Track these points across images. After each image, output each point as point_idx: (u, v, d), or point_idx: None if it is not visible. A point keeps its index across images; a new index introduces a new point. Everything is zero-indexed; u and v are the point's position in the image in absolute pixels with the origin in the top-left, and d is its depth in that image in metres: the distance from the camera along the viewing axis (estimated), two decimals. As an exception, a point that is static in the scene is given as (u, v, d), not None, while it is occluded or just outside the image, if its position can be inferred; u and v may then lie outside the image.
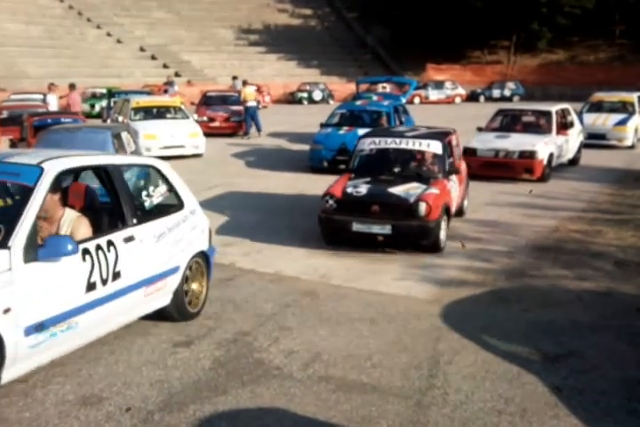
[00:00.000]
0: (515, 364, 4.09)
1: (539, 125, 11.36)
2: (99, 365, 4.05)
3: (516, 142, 10.50)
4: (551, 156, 10.55)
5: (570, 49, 38.91)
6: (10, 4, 34.14)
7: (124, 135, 9.21)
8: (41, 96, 17.36)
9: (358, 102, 13.55)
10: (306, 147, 12.71)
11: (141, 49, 36.55)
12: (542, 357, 4.22)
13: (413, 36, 40.28)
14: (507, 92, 34.42)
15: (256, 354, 4.23)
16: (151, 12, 40.94)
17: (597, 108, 15.62)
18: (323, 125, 12.25)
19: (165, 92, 21.76)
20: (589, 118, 15.09)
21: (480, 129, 11.57)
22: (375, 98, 14.70)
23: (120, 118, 13.90)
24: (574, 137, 12.04)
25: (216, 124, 17.42)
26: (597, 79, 32.21)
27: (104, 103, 20.77)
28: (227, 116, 17.67)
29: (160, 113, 14.51)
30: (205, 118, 17.20)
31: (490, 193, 9.67)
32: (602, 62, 36.76)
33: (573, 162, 12.28)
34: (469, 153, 10.43)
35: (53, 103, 15.24)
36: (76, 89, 15.74)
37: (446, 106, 31.22)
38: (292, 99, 33.73)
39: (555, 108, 11.62)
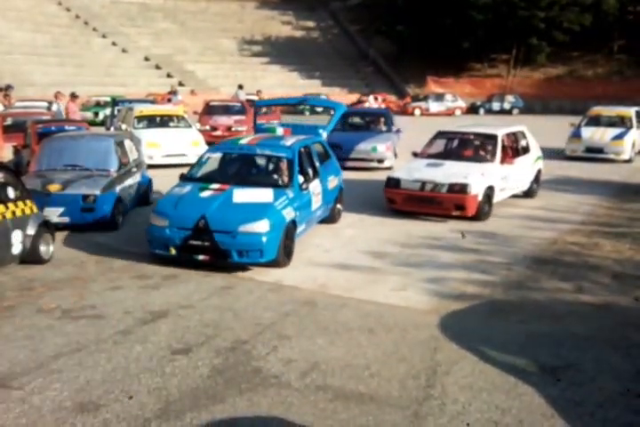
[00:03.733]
0: (512, 375, 4.10)
1: (480, 152, 9.49)
2: (96, 372, 4.06)
3: (447, 173, 8.65)
4: (490, 189, 8.70)
5: (569, 63, 39.20)
6: (17, 13, 34.50)
7: (127, 143, 9.28)
8: (45, 104, 17.46)
9: (244, 141, 7.79)
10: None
11: (146, 58, 36.83)
12: (539, 368, 4.23)
13: (415, 49, 40.63)
14: (506, 105, 34.66)
15: (254, 362, 4.24)
16: (156, 23, 41.31)
17: (595, 122, 15.75)
18: (183, 178, 7.24)
19: (169, 101, 21.90)
20: (587, 132, 15.23)
21: (415, 154, 9.68)
22: (280, 131, 9.20)
23: (123, 126, 13.99)
24: (527, 165, 10.02)
25: (218, 133, 17.52)
26: (596, 93, 32.41)
27: (108, 111, 20.90)
28: (229, 125, 17.79)
29: (163, 122, 14.60)
30: (208, 127, 17.32)
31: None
32: (600, 77, 37.01)
33: (528, 194, 10.23)
34: (393, 184, 8.77)
35: (61, 111, 15.39)
36: (76, 98, 15.93)
37: (446, 118, 31.36)
38: (293, 109, 33.94)
39: (502, 131, 9.74)
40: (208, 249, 6.21)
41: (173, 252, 6.33)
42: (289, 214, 6.57)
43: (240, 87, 24.04)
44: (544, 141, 18.44)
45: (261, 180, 7.27)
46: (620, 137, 14.94)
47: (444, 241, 7.56)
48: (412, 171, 8.92)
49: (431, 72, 39.12)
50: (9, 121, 13.00)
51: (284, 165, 7.29)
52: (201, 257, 6.29)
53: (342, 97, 36.40)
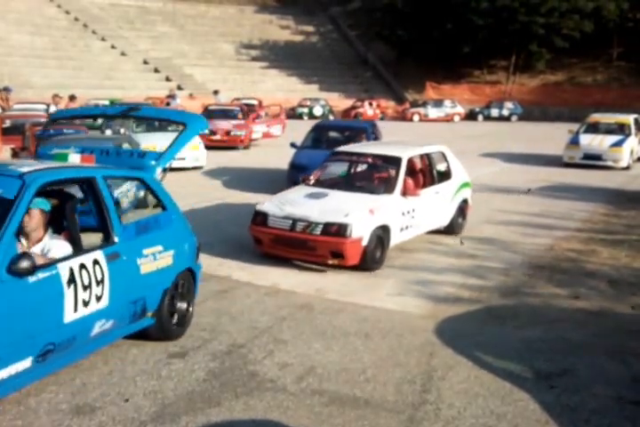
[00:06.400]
0: (507, 381, 4.11)
1: (377, 180, 7.42)
2: (93, 374, 4.06)
3: (326, 208, 6.52)
4: (384, 230, 6.62)
5: (568, 70, 39.42)
6: (17, 16, 34.55)
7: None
8: (44, 106, 17.48)
9: None
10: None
11: (145, 62, 36.90)
12: (535, 374, 4.24)
13: (414, 54, 40.81)
14: (505, 112, 34.83)
15: (250, 366, 4.25)
16: (155, 26, 41.42)
17: (594, 129, 15.87)
18: None
19: (167, 104, 21.95)
20: (586, 139, 15.33)
21: (303, 180, 7.66)
22: (75, 159, 4.66)
23: (122, 130, 14.01)
24: (445, 195, 7.82)
25: (217, 137, 17.57)
26: (594, 100, 32.65)
27: (106, 114, 20.88)
28: (228, 129, 17.83)
29: (162, 125, 14.62)
30: (207, 131, 17.33)
31: (487, 210, 9.73)
32: (599, 84, 37.24)
33: (450, 231, 8.05)
34: (259, 221, 6.72)
35: None
36: (74, 100, 16.05)
37: (445, 124, 31.46)
38: (292, 114, 34.09)
39: (410, 152, 7.48)
40: None
41: None
42: None
43: (215, 93, 24.38)
44: (542, 148, 18.59)
45: None
46: (618, 144, 15.04)
47: (441, 246, 7.58)
48: (285, 203, 6.78)
49: (430, 78, 39.29)
50: (7, 123, 13.01)
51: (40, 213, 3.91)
52: None
53: (340, 102, 36.59)
